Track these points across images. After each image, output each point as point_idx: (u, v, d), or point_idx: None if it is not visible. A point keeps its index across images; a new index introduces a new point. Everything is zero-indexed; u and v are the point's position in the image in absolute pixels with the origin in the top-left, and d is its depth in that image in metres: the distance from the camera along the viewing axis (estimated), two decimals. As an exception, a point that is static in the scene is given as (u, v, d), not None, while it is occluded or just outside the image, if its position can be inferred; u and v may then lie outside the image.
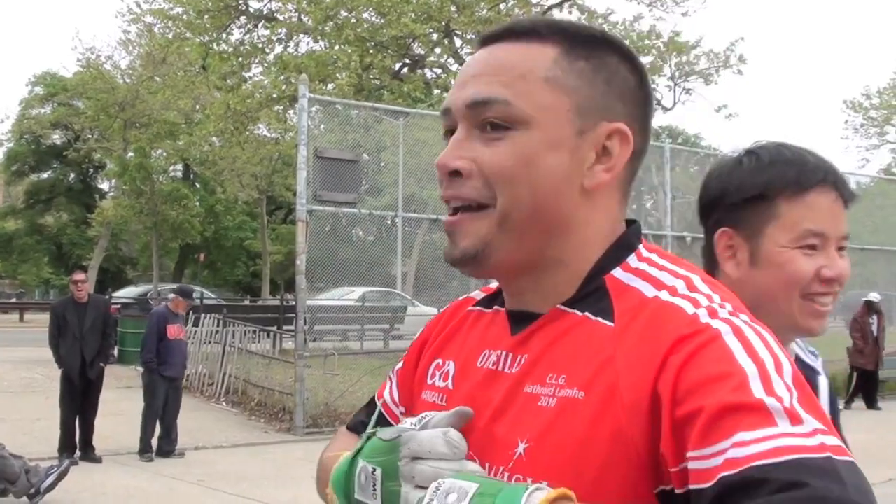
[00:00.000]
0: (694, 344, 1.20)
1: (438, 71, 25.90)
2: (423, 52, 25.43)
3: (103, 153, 46.95)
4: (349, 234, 31.71)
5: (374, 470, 1.27)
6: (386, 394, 1.70)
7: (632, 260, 1.40)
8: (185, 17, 26.79)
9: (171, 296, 13.90)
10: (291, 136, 22.61)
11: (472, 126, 1.37)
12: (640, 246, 1.43)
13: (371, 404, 1.73)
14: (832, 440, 1.10)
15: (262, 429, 14.89)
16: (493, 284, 1.58)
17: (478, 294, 1.63)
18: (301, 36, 26.01)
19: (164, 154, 43.16)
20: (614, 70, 1.41)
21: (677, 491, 1.15)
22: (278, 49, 26.65)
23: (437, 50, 25.78)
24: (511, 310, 1.46)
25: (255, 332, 18.56)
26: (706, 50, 26.92)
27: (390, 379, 1.73)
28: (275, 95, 24.83)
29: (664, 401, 1.18)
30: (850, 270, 1.97)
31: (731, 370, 1.16)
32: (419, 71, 25.43)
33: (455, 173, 1.37)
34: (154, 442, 12.38)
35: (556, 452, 1.26)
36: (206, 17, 25.49)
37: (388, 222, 24.91)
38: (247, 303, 39.21)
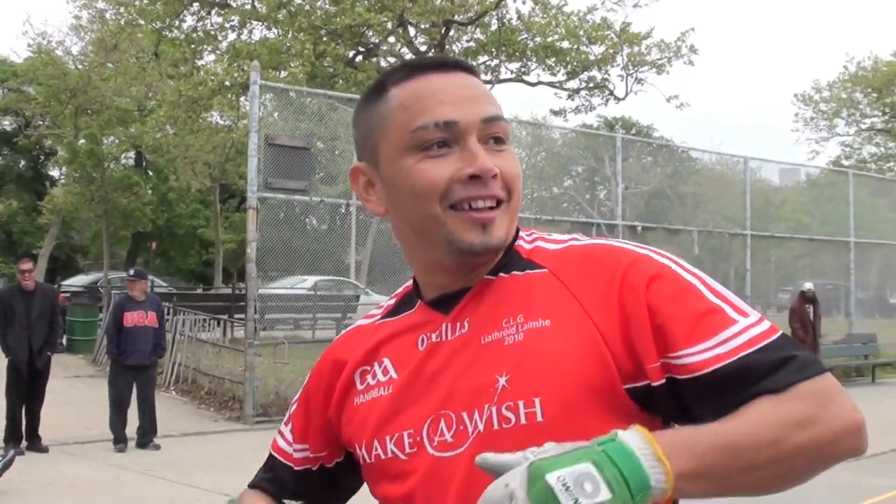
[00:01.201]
0: (644, 266, 1.54)
1: (392, 59, 25.79)
2: (376, 41, 25.35)
3: (54, 140, 46.38)
4: (303, 222, 31.62)
5: None
6: (281, 443, 1.89)
7: (522, 234, 1.72)
8: (137, 3, 26.56)
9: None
10: (244, 124, 22.45)
11: (479, 139, 1.60)
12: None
13: (268, 458, 1.92)
14: (768, 322, 1.50)
15: (212, 417, 14.82)
16: (393, 299, 1.85)
17: (367, 319, 1.85)
18: (254, 23, 25.85)
19: (116, 141, 42.71)
20: None
21: (654, 384, 1.48)
22: (231, 36, 26.50)
23: (391, 39, 25.72)
24: (434, 298, 1.70)
25: (205, 320, 18.47)
26: (657, 41, 27.00)
27: (283, 429, 1.90)
28: (227, 83, 24.64)
29: (637, 312, 1.49)
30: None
31: (684, 285, 1.53)
32: (373, 59, 25.35)
33: (493, 176, 1.58)
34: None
35: (539, 371, 1.50)
36: (159, 3, 25.27)
37: (342, 210, 24.89)
38: (199, 291, 39.01)
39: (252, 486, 1.91)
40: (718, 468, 1.35)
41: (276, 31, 25.50)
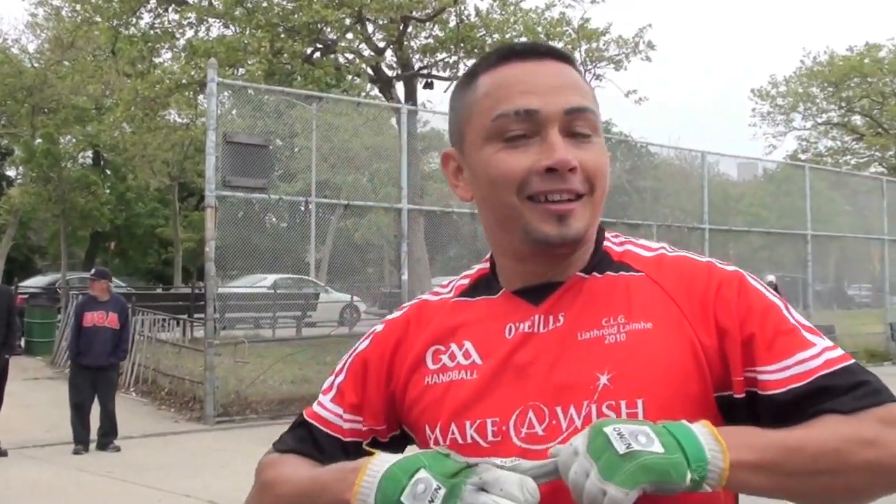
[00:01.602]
0: (735, 283, 1.61)
1: (350, 56, 25.72)
2: (334, 38, 25.25)
3: (10, 139, 45.96)
4: (262, 220, 31.51)
5: (439, 488, 1.37)
6: (325, 414, 1.80)
7: (609, 236, 1.76)
8: (93, 0, 26.34)
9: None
10: (203, 122, 22.33)
11: (561, 131, 1.60)
12: None
13: (300, 426, 1.82)
14: (841, 349, 1.56)
15: (172, 418, 14.75)
16: (463, 279, 1.83)
17: (436, 297, 1.83)
18: (211, 20, 25.66)
19: (74, 140, 42.40)
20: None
21: (735, 396, 1.55)
22: (188, 34, 26.32)
23: (349, 35, 25.63)
24: (519, 289, 1.71)
25: (164, 320, 18.37)
26: (615, 36, 27.06)
27: (323, 399, 1.82)
28: (184, 81, 24.50)
29: (730, 325, 1.56)
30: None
31: (770, 305, 1.59)
32: (331, 56, 25.25)
33: (571, 169, 1.58)
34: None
35: (642, 373, 1.54)
36: (115, 0, 25.08)
37: (302, 208, 24.78)
38: (158, 291, 38.81)
39: (285, 451, 1.81)
40: (778, 465, 1.40)
41: (233, 28, 25.33)
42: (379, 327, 1.85)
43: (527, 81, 1.61)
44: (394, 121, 23.31)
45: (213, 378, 14.13)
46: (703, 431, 1.37)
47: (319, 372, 16.89)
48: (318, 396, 1.84)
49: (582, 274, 1.68)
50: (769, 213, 28.29)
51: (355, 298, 26.34)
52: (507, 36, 25.32)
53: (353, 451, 1.73)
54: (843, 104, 51.87)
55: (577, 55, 26.51)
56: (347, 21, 24.56)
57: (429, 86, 26.85)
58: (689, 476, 1.33)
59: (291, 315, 24.62)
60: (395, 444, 1.76)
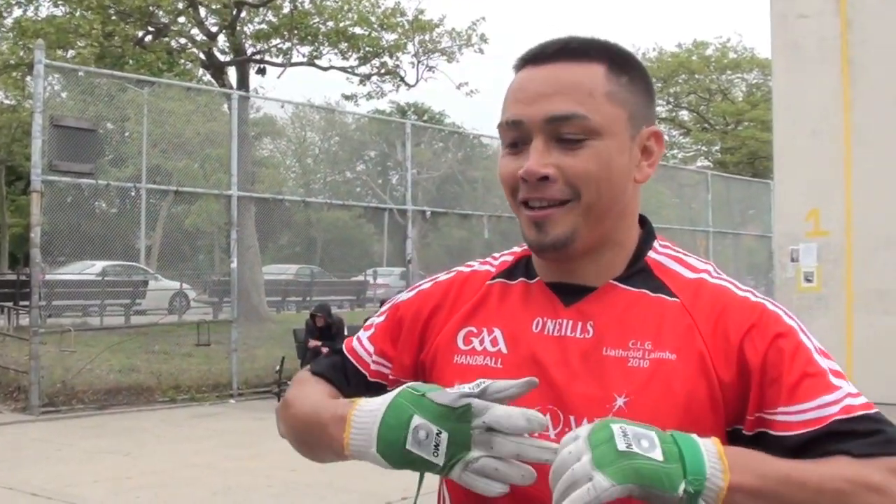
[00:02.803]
0: (773, 323, 1.61)
1: (182, 41, 25.44)
2: (167, 21, 24.93)
3: None
4: (92, 206, 30.86)
5: (440, 432, 1.43)
6: (359, 349, 1.88)
7: (657, 245, 1.76)
8: (-85, -25, 25.42)
9: None
10: (31, 104, 21.77)
11: (548, 138, 1.61)
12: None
13: (337, 353, 1.92)
14: (864, 397, 1.57)
15: (-4, 409, 14.44)
16: (508, 255, 1.86)
17: (483, 266, 1.87)
18: (41, 0, 25.09)
19: None
20: (644, 81, 1.72)
21: (745, 432, 1.57)
22: (17, 13, 25.64)
23: (182, 19, 25.33)
24: (554, 282, 1.74)
25: (-12, 308, 17.96)
26: (449, 29, 27.35)
27: (362, 334, 1.91)
28: (12, 62, 23.90)
29: (754, 365, 1.56)
30: None
31: (802, 348, 1.58)
32: (163, 39, 24.93)
33: (543, 178, 1.60)
34: None
35: (658, 403, 1.56)
36: (-62, -25, 24.29)
37: (132, 194, 24.40)
38: (-18, 277, 37.71)
39: (316, 373, 1.90)
40: (778, 495, 1.42)
41: (63, 9, 24.79)
42: (426, 285, 1.90)
43: (521, 89, 1.65)
44: (226, 107, 23.19)
45: (38, 367, 13.87)
46: (709, 448, 1.39)
47: (148, 361, 16.74)
48: (360, 331, 1.93)
49: (616, 283, 1.69)
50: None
51: (185, 286, 26.09)
52: (342, 24, 25.38)
53: (374, 389, 1.77)
54: (671, 100, 53.44)
55: (409, 46, 26.74)
56: (180, 4, 24.35)
57: (261, 72, 26.77)
58: (682, 487, 1.34)
59: (120, 303, 24.24)
60: None
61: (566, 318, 1.68)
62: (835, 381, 1.56)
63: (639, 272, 1.70)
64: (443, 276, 1.90)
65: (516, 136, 1.65)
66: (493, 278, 1.82)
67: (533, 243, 1.67)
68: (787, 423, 1.53)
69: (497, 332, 1.73)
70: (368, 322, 1.93)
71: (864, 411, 1.53)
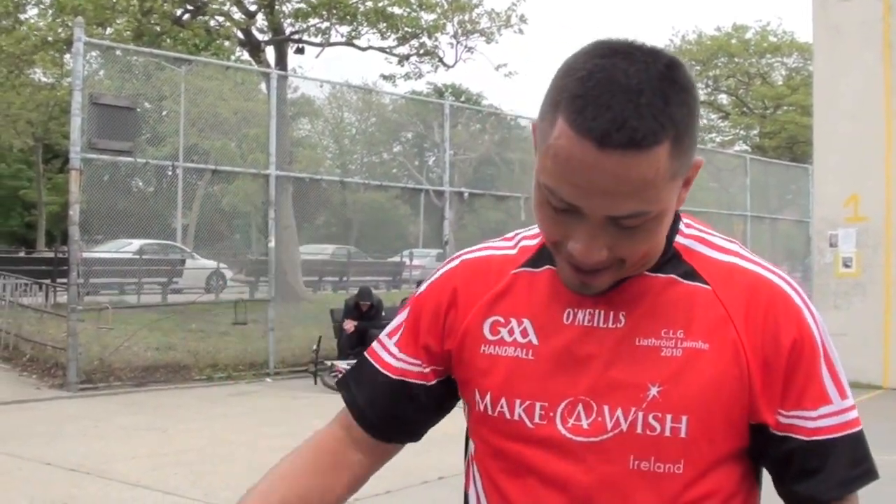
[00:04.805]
0: (797, 318, 1.59)
1: (220, 18, 25.40)
2: None
3: None
4: (129, 184, 30.99)
5: None
6: (389, 359, 1.82)
7: (682, 227, 1.69)
8: (-46, -46, 25.52)
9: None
10: (69, 82, 21.77)
11: (605, 223, 1.47)
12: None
13: (365, 373, 1.85)
14: (856, 412, 1.60)
15: (34, 385, 14.50)
16: (529, 239, 1.78)
17: (500, 251, 1.80)
18: (78, -24, 25.11)
19: (-68, 97, 41.11)
20: (697, 112, 1.54)
21: (769, 426, 1.58)
22: (55, -12, 25.70)
23: (220, -3, 25.32)
24: None
25: (27, 285, 18.02)
26: (488, 9, 27.24)
27: (393, 336, 1.84)
28: (50, 39, 23.94)
29: (778, 361, 1.56)
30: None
31: (821, 349, 1.58)
32: (201, 17, 24.90)
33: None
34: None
35: (690, 392, 1.55)
36: (-22, -46, 24.35)
37: (169, 173, 24.49)
38: (21, 254, 37.96)
39: (347, 403, 1.86)
40: None
41: (101, -16, 24.82)
42: (437, 275, 1.86)
43: (581, 173, 1.43)
44: (263, 86, 23.11)
45: (76, 344, 13.94)
46: None
47: (184, 339, 16.79)
48: (384, 337, 1.87)
49: (646, 271, 1.62)
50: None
51: (221, 265, 26.15)
52: (381, 4, 25.28)
53: (417, 393, 1.79)
54: (711, 83, 53.08)
55: (448, 27, 26.61)
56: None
57: (300, 51, 26.69)
58: None
59: (157, 281, 24.33)
60: (443, 386, 1.80)
61: (597, 308, 1.63)
62: (840, 392, 1.59)
63: (667, 260, 1.64)
64: (450, 265, 1.84)
65: (569, 207, 1.47)
66: (519, 268, 1.75)
67: (574, 289, 1.60)
68: (794, 426, 1.57)
69: (527, 323, 1.68)
70: (390, 327, 1.87)
71: (855, 429, 1.59)
